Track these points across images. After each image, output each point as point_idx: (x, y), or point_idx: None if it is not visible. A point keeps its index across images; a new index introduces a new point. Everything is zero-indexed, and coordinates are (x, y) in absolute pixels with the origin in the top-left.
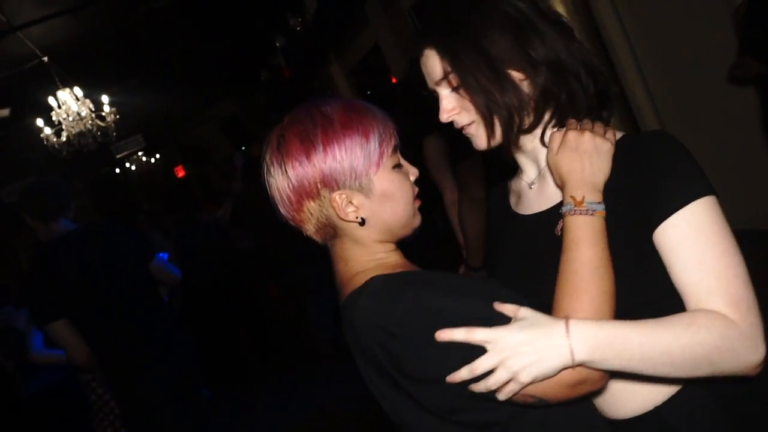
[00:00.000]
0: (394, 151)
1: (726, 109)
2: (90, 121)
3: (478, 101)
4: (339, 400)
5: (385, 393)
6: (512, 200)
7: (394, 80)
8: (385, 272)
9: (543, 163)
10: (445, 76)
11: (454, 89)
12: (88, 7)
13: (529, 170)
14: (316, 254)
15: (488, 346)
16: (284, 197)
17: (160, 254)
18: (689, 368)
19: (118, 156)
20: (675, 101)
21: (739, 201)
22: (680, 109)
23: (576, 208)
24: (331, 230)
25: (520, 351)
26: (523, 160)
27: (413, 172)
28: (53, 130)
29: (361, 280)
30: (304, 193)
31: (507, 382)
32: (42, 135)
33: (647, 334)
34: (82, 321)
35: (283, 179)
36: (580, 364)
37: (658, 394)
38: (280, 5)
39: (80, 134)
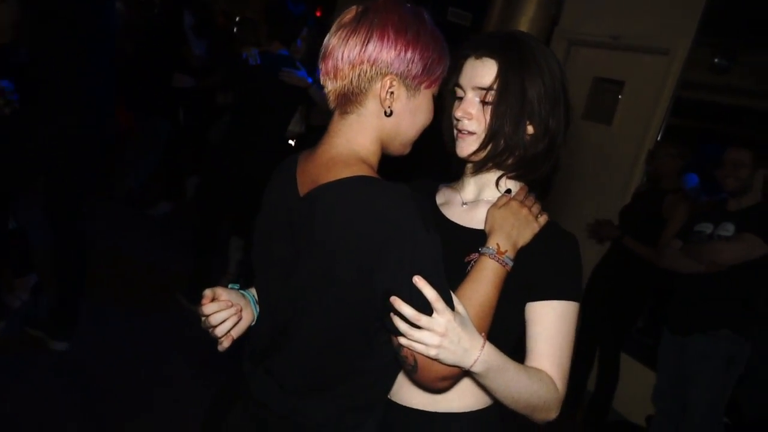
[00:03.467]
0: (441, 85)
1: None
2: None
3: (493, 123)
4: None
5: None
6: (439, 200)
7: None
8: (375, 176)
9: (483, 195)
10: (488, 89)
11: (484, 102)
12: None
13: (469, 191)
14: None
15: (436, 314)
16: (344, 52)
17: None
18: (523, 405)
19: None
20: None
21: None
22: None
23: (497, 255)
24: (354, 102)
25: (449, 337)
26: (471, 181)
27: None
28: None
29: (354, 171)
30: (369, 60)
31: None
32: None
33: (518, 372)
34: None
35: (356, 41)
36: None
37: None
38: None
39: None
